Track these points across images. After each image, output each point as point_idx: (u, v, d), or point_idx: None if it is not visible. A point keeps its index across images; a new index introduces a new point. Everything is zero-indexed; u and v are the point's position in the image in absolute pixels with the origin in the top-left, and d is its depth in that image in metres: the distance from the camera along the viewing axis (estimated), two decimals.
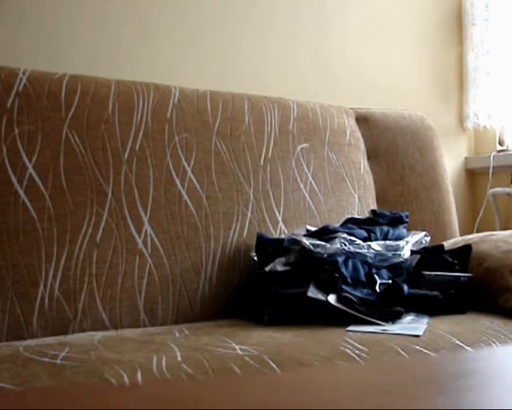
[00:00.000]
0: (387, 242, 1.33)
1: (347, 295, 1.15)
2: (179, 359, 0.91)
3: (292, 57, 1.90)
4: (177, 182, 1.38)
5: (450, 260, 1.34)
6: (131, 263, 1.28)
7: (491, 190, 2.12)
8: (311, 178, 1.58)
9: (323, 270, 1.20)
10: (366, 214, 1.61)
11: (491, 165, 2.12)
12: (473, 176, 2.26)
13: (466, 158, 2.26)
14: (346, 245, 1.26)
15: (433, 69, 2.19)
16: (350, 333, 1.04)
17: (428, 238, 1.43)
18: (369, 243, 1.30)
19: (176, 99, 1.44)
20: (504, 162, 2.11)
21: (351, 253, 1.26)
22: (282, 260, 1.29)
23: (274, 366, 0.86)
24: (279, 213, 1.49)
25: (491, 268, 1.31)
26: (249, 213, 1.45)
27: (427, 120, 1.89)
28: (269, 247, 1.35)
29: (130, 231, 1.29)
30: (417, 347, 0.99)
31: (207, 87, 1.54)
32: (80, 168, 1.28)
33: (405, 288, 1.19)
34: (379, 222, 1.43)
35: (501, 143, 2.16)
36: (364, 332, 1.06)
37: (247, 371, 0.84)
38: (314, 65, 1.94)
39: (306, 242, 1.27)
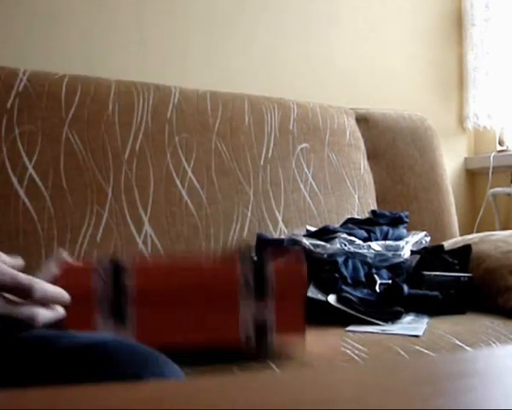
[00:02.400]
0: (387, 242, 1.33)
1: (347, 295, 1.15)
2: None
3: (292, 57, 1.90)
4: (177, 182, 1.38)
5: (450, 260, 1.34)
6: None
7: (491, 190, 2.12)
8: (311, 178, 1.58)
9: (323, 270, 1.20)
10: (366, 214, 1.61)
11: (491, 165, 2.12)
12: (473, 176, 2.26)
13: (466, 158, 2.26)
14: (345, 245, 1.26)
15: (433, 69, 2.19)
16: (350, 333, 1.04)
17: (428, 238, 1.43)
18: (369, 243, 1.30)
19: (176, 99, 1.44)
20: (504, 162, 2.11)
21: (351, 253, 1.26)
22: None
23: (273, 366, 0.86)
24: (279, 213, 1.49)
25: (490, 268, 1.31)
26: (249, 213, 1.45)
27: (427, 121, 1.89)
28: (269, 247, 1.35)
29: (130, 231, 1.29)
30: (417, 347, 0.99)
31: (207, 87, 1.54)
32: (80, 168, 1.28)
33: (405, 288, 1.19)
34: (379, 222, 1.43)
35: (501, 143, 2.16)
36: (364, 332, 1.06)
37: (247, 372, 0.84)
38: (314, 65, 1.94)
39: (306, 242, 1.27)
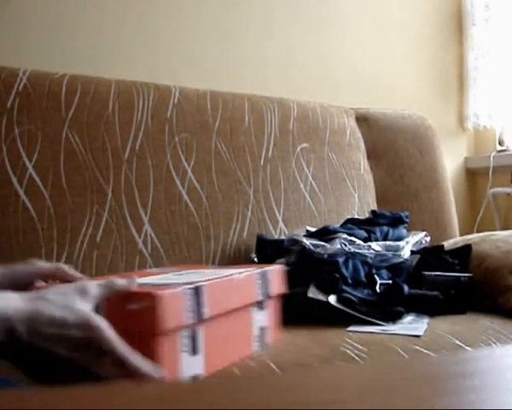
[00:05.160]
0: (387, 242, 1.33)
1: (348, 295, 1.15)
2: None
3: (292, 57, 1.90)
4: (177, 182, 1.38)
5: (450, 260, 1.34)
6: (131, 263, 1.28)
7: (491, 190, 2.12)
8: (311, 178, 1.58)
9: (324, 270, 1.20)
10: (366, 214, 1.60)
11: (491, 165, 2.12)
12: (473, 176, 2.26)
13: (466, 158, 2.26)
14: (346, 245, 1.26)
15: (433, 69, 2.19)
16: (350, 333, 1.04)
17: (428, 238, 1.43)
18: (369, 243, 1.30)
19: (176, 99, 1.44)
20: (504, 162, 2.11)
21: (351, 253, 1.26)
22: (283, 261, 1.28)
23: (274, 366, 0.86)
24: (279, 213, 1.49)
25: (491, 268, 1.31)
26: (249, 213, 1.45)
27: (427, 120, 1.89)
28: (269, 248, 1.35)
29: (130, 231, 1.29)
30: (417, 347, 0.98)
31: (207, 87, 1.54)
32: (80, 168, 1.28)
33: (405, 288, 1.19)
34: (379, 222, 1.43)
35: (501, 143, 2.16)
36: (364, 332, 1.05)
37: (247, 372, 0.84)
38: (314, 65, 1.94)
39: (307, 242, 1.27)
